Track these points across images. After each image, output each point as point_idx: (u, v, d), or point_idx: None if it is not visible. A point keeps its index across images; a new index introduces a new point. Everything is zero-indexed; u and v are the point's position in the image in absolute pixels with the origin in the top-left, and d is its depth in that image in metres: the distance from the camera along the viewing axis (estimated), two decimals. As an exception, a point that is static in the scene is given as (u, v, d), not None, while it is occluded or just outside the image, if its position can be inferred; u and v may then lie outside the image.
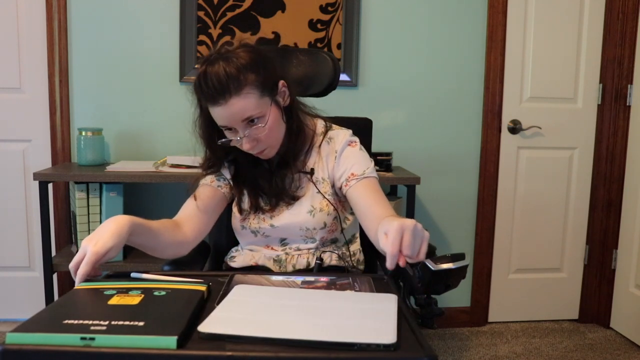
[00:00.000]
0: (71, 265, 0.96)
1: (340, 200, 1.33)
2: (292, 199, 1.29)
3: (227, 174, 1.33)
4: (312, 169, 1.30)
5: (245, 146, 1.18)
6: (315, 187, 1.29)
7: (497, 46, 2.42)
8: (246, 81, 1.12)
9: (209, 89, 1.11)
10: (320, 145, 1.31)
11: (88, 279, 0.95)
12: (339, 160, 1.29)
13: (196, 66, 2.29)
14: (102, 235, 0.98)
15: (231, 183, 1.33)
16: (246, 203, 1.31)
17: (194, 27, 2.28)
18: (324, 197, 1.28)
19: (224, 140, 1.20)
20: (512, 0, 2.41)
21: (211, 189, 1.30)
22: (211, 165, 1.30)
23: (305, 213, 1.28)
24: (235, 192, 1.32)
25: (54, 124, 2.28)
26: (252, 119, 1.15)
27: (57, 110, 2.27)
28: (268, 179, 1.29)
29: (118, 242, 0.99)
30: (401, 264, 0.87)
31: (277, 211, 1.30)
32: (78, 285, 0.93)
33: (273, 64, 1.20)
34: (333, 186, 1.30)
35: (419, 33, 2.41)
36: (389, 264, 0.87)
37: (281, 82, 1.21)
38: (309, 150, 1.31)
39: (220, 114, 1.14)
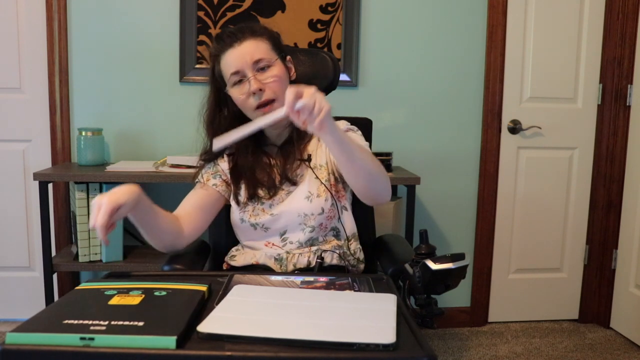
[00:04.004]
0: (91, 224, 0.98)
1: (338, 190, 1.35)
2: (291, 183, 1.32)
3: (225, 167, 1.36)
4: (309, 155, 1.34)
5: (253, 86, 1.23)
6: (313, 172, 1.32)
7: (497, 46, 2.42)
8: (262, 33, 1.27)
9: (228, 34, 1.25)
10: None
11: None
12: None
13: (197, 66, 2.29)
14: (115, 192, 1.01)
15: (228, 178, 1.35)
16: (243, 194, 1.32)
17: (194, 27, 2.28)
18: (322, 182, 1.31)
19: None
20: (512, 0, 2.41)
21: (207, 188, 1.34)
22: (209, 156, 1.36)
23: (302, 199, 1.30)
24: (232, 184, 1.34)
25: (54, 124, 2.28)
26: (263, 66, 1.24)
27: (57, 110, 2.27)
28: (267, 171, 1.33)
29: (131, 200, 1.02)
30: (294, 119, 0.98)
31: (275, 199, 1.32)
32: (104, 237, 0.96)
33: (284, 45, 1.35)
34: (331, 173, 1.33)
35: (419, 33, 2.41)
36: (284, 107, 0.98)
37: (289, 57, 1.33)
38: (310, 140, 1.36)
39: (233, 56, 1.23)
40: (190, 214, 1.28)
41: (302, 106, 0.95)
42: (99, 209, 0.97)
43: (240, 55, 1.23)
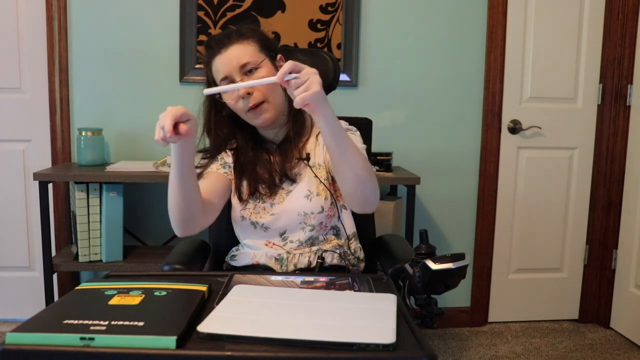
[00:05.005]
0: (160, 124, 0.97)
1: (336, 189, 1.35)
2: (290, 181, 1.32)
3: (229, 161, 1.36)
4: (308, 154, 1.34)
5: (241, 90, 1.23)
6: (312, 171, 1.32)
7: (497, 46, 2.42)
8: (248, 35, 1.27)
9: (215, 41, 1.26)
10: (318, 135, 1.36)
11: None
12: None
13: (197, 66, 2.29)
14: None
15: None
16: (245, 191, 1.33)
17: (194, 27, 2.28)
18: (321, 181, 1.31)
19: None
20: (512, 0, 2.41)
21: (218, 175, 1.33)
22: (213, 153, 1.35)
23: (302, 198, 1.31)
24: (235, 180, 1.34)
25: (54, 124, 2.28)
26: (250, 69, 1.24)
27: (57, 110, 2.27)
28: (267, 167, 1.33)
29: (195, 121, 1.03)
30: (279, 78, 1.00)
31: (276, 199, 1.32)
32: (171, 128, 0.95)
33: (276, 43, 1.35)
34: (329, 172, 1.34)
35: (419, 33, 2.41)
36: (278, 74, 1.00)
37: (279, 56, 1.31)
38: (308, 139, 1.36)
39: (221, 62, 1.24)
40: (206, 197, 1.25)
41: (291, 79, 0.99)
42: (170, 110, 0.98)
43: (228, 61, 1.24)
